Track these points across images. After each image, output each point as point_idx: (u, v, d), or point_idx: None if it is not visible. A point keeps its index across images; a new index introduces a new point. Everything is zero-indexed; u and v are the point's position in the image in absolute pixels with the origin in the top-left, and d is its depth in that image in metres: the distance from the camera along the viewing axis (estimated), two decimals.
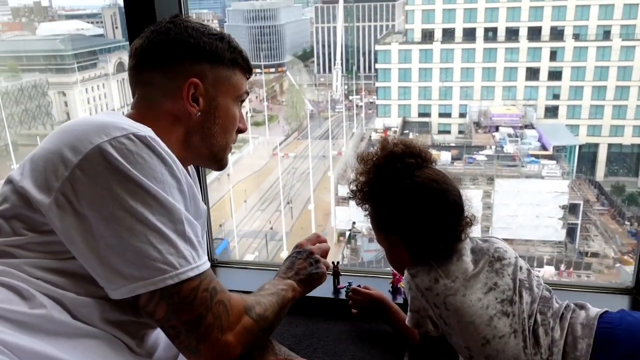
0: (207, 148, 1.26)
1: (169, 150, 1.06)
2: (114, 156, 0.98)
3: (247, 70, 1.30)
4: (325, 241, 1.52)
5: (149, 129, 1.07)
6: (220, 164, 1.32)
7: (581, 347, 1.17)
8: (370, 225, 1.43)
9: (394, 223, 1.33)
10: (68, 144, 1.01)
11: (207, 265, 1.06)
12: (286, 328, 1.77)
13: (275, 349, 1.26)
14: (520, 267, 1.30)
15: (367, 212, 1.41)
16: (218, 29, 1.32)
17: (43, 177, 1.01)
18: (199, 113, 1.21)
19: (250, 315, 1.11)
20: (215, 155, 1.29)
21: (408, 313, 1.37)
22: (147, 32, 1.24)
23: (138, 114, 1.21)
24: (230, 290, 1.11)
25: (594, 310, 1.25)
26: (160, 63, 1.21)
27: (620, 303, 1.81)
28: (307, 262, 1.41)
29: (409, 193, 1.29)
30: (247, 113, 33.12)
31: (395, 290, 1.84)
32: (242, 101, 1.31)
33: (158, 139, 1.06)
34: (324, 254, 1.47)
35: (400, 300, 1.79)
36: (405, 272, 1.34)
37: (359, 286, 1.76)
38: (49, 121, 33.55)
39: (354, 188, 1.40)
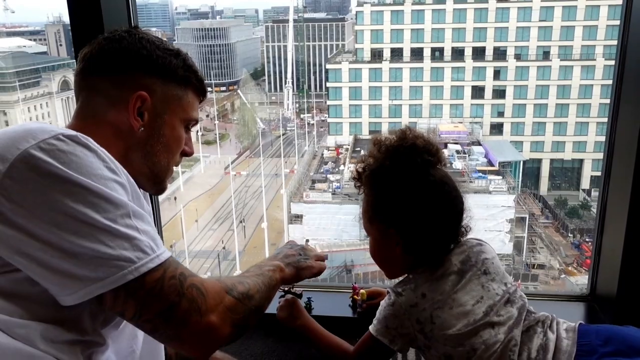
0: (148, 167, 1.19)
1: (102, 148, 1.00)
2: (44, 159, 0.92)
3: (201, 92, 1.26)
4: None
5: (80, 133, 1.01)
6: (159, 186, 1.25)
7: (567, 344, 1.20)
8: (361, 212, 1.37)
9: (396, 215, 1.28)
10: None
11: (168, 253, 1.00)
12: (244, 347, 1.71)
13: None
14: (506, 278, 1.31)
15: (363, 197, 1.35)
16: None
17: None
18: (142, 128, 1.15)
19: (231, 294, 1.05)
20: (156, 176, 1.22)
21: (375, 323, 1.33)
22: (100, 38, 1.18)
23: (77, 124, 1.14)
24: None
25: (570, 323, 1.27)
26: (109, 70, 1.15)
27: (577, 310, 1.84)
28: (296, 252, 1.39)
29: (422, 190, 1.27)
30: (197, 132, 32.81)
31: (355, 304, 1.81)
32: (189, 127, 1.25)
33: (90, 138, 1.00)
34: (318, 258, 1.43)
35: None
36: (389, 291, 1.32)
37: (307, 300, 1.68)
38: None
39: (360, 168, 1.34)
